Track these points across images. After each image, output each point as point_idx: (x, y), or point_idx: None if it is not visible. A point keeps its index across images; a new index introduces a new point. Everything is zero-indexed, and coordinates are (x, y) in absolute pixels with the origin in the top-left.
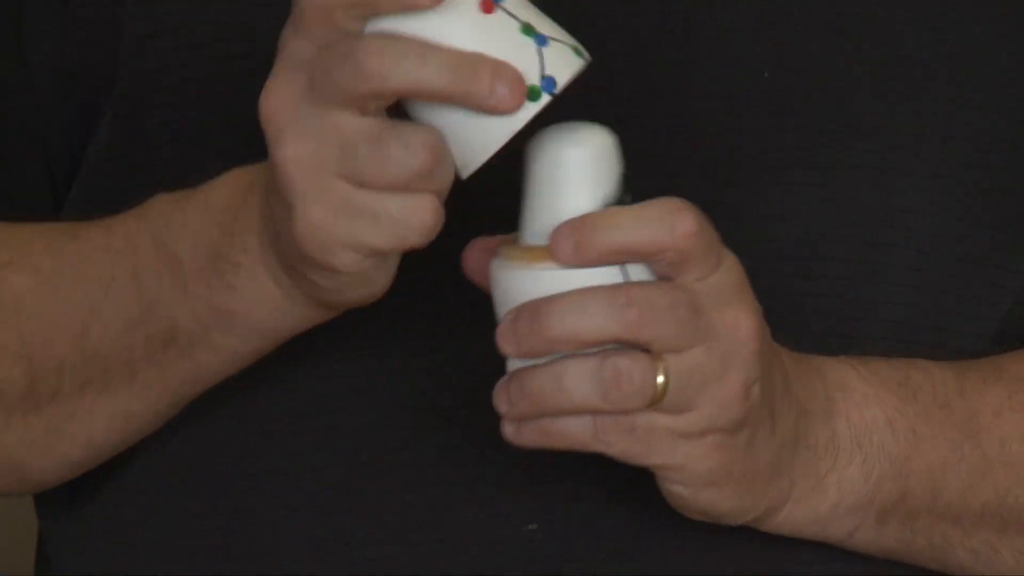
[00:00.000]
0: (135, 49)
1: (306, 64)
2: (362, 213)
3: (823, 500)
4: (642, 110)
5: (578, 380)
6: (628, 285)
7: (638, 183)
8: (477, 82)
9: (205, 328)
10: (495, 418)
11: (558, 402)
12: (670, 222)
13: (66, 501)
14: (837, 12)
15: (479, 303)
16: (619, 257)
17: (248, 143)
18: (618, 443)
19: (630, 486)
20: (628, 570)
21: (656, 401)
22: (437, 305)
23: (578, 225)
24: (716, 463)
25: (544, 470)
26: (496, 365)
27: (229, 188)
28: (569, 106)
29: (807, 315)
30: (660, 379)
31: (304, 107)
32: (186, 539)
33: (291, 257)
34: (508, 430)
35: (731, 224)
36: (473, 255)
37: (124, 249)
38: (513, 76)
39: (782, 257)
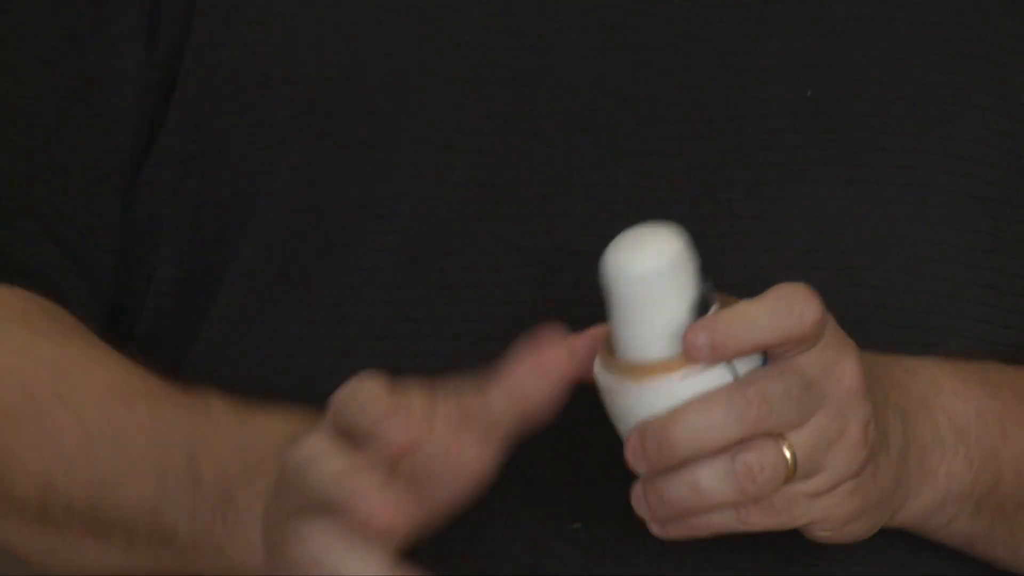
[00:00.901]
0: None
1: None
2: None
3: (936, 492)
4: (690, 135)
5: (713, 483)
6: (743, 384)
7: (692, 206)
8: None
9: (195, 546)
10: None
11: (698, 505)
12: (799, 312)
13: None
14: (878, 35)
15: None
16: (753, 352)
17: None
18: (761, 520)
19: None
20: (669, 571)
21: (789, 478)
22: None
23: (711, 327)
24: (854, 506)
25: (589, 471)
26: None
27: (263, 435)
28: (611, 121)
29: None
30: (788, 457)
31: None
32: None
33: None
34: (654, 528)
35: (778, 238)
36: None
37: (156, 437)
38: None
39: (828, 269)
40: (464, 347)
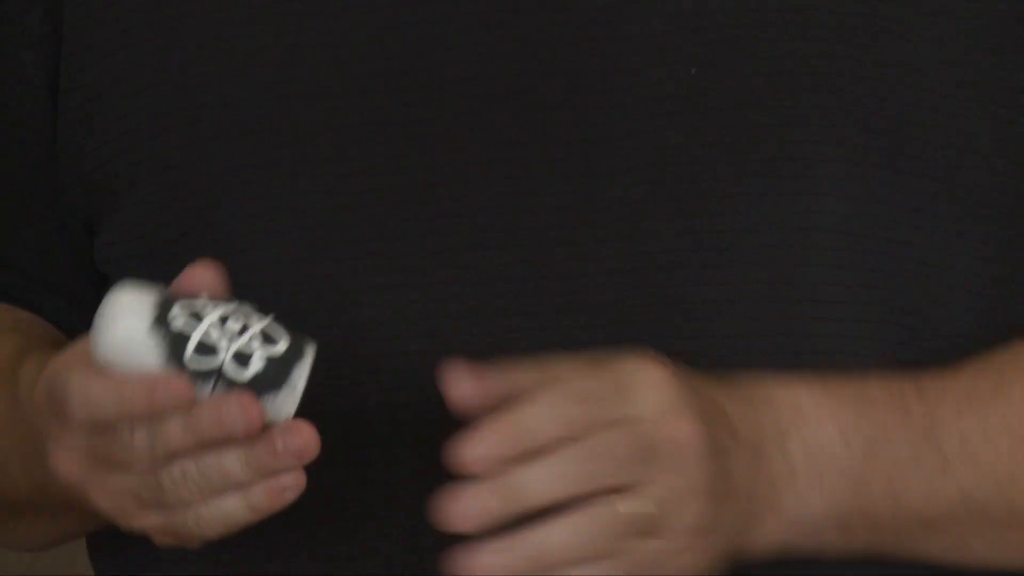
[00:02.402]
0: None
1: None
2: None
3: (782, 521)
4: (568, 123)
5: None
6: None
7: (571, 194)
8: None
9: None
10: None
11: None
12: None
13: None
14: (762, 9)
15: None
16: None
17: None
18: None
19: None
20: None
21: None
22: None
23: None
24: (699, 554)
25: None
26: None
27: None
28: (485, 110)
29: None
30: (627, 513)
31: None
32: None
33: None
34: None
35: (654, 222)
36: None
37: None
38: None
39: (708, 250)
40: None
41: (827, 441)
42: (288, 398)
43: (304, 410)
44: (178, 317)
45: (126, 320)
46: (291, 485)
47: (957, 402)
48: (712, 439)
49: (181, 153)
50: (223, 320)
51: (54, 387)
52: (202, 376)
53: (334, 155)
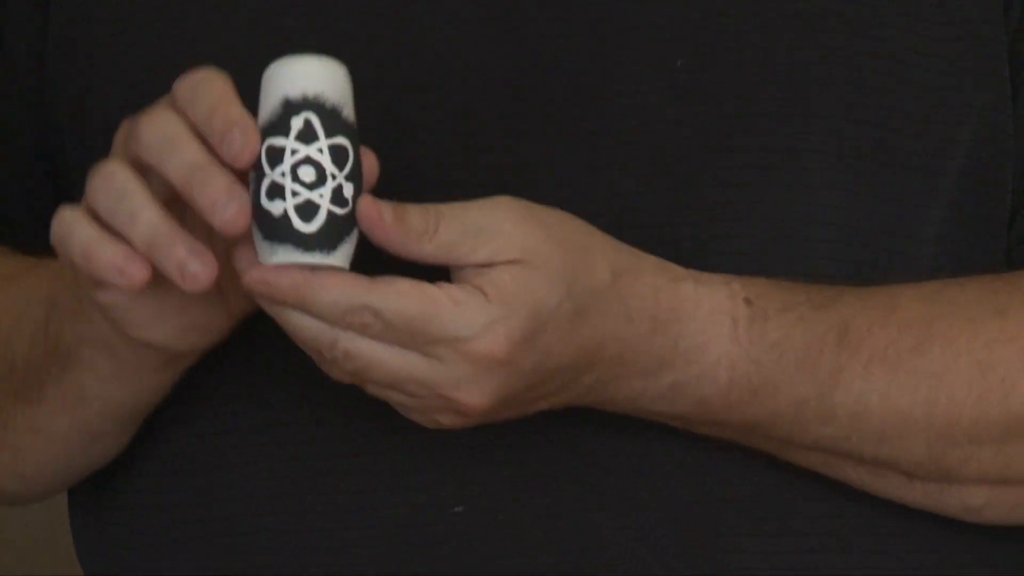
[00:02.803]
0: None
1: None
2: None
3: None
4: (563, 116)
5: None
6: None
7: (567, 187)
8: None
9: (79, 340)
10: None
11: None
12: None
13: (87, 503)
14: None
15: None
16: None
17: None
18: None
19: (554, 467)
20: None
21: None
22: None
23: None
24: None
25: (468, 454)
26: None
27: None
28: (480, 104)
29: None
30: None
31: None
32: (181, 538)
33: None
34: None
35: (647, 215)
36: None
37: (55, 267)
38: None
39: (692, 240)
40: None
41: (709, 383)
42: None
43: None
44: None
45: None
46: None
47: (872, 354)
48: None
49: None
50: None
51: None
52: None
53: None
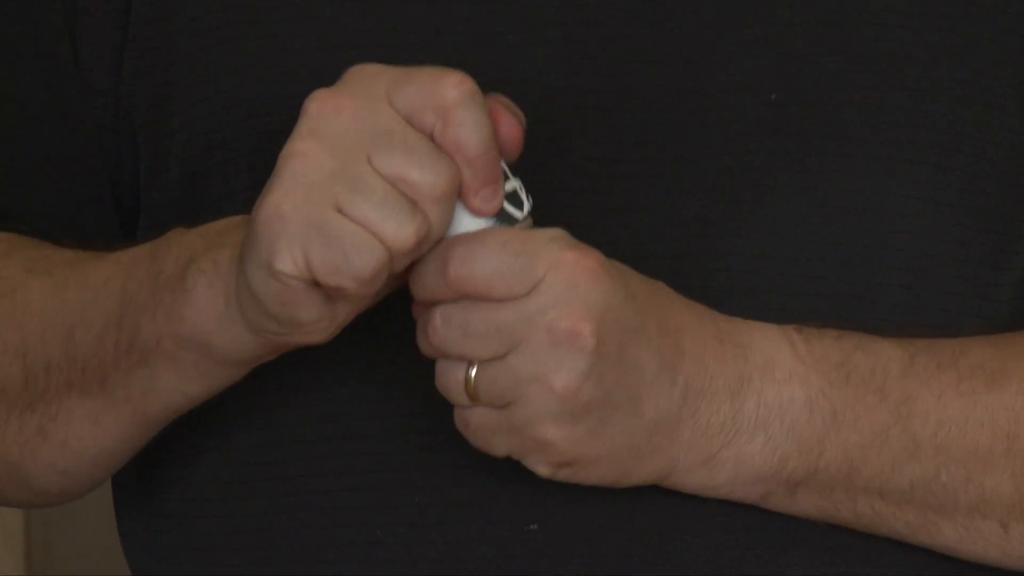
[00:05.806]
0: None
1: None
2: (321, 231)
3: (718, 472)
4: (650, 142)
5: None
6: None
7: (651, 214)
8: None
9: (160, 335)
10: None
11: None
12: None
13: (136, 501)
14: (844, 39)
15: None
16: None
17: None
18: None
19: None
20: (627, 570)
21: (473, 399)
22: None
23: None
24: (564, 451)
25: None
26: None
27: (230, 218)
28: (569, 129)
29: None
30: (469, 379)
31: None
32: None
33: (246, 272)
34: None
35: (733, 242)
36: None
37: (125, 261)
38: None
39: (785, 275)
40: None
41: (789, 404)
42: None
43: None
44: None
45: None
46: None
47: (944, 388)
48: (611, 358)
49: (259, 138)
50: None
51: None
52: None
53: None
